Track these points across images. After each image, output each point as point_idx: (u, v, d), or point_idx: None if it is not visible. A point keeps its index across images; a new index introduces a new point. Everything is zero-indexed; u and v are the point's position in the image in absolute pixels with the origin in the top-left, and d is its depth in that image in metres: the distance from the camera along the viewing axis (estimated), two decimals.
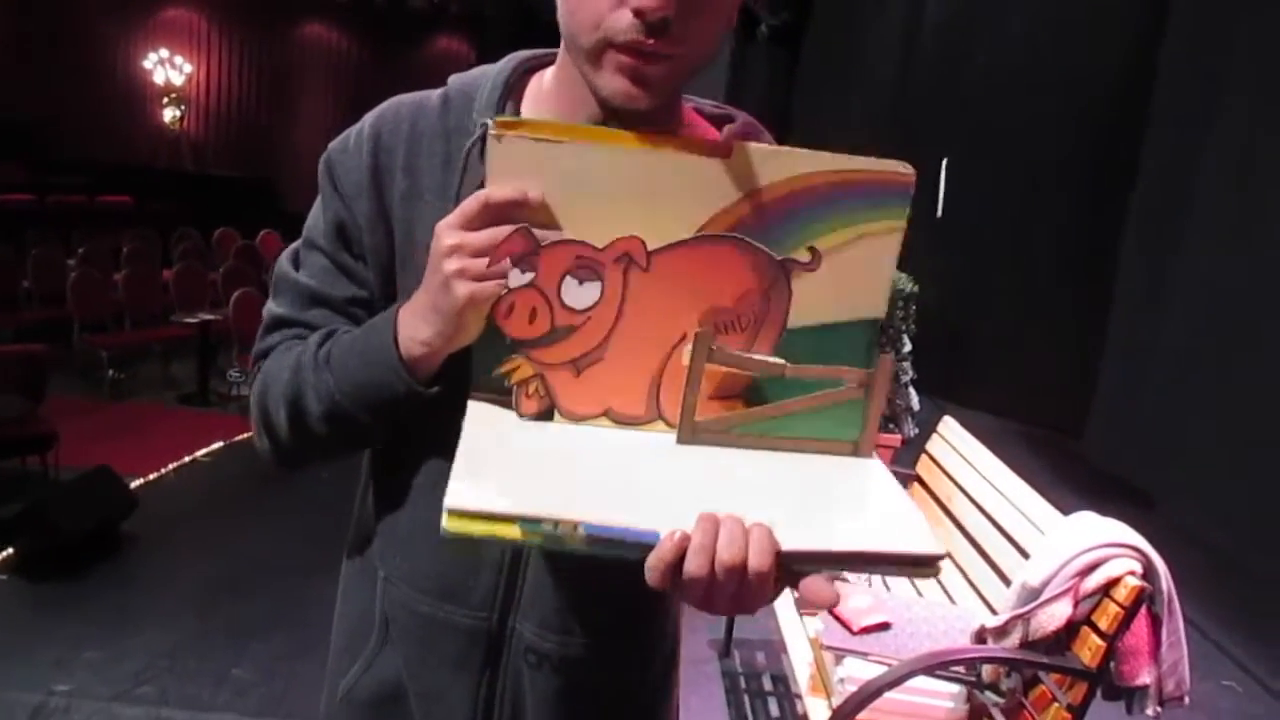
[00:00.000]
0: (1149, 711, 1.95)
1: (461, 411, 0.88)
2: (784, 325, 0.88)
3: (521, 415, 0.89)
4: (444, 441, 0.84)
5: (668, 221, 0.85)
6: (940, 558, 0.79)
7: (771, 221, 0.86)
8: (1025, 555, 2.18)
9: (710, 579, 0.74)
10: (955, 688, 2.21)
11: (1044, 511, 2.29)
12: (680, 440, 0.89)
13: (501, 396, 0.89)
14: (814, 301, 0.88)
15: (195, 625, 3.62)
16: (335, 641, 1.15)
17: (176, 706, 3.12)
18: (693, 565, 0.73)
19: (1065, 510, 2.27)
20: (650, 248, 0.85)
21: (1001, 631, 2.08)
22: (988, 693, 2.15)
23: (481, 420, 0.87)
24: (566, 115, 0.95)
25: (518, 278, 0.85)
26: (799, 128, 7.42)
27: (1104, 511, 2.14)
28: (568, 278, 0.86)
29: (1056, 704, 1.98)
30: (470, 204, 0.84)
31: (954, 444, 2.96)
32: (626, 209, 0.85)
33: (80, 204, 12.63)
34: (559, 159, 0.83)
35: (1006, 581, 2.18)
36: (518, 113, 0.99)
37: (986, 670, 2.15)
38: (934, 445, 3.11)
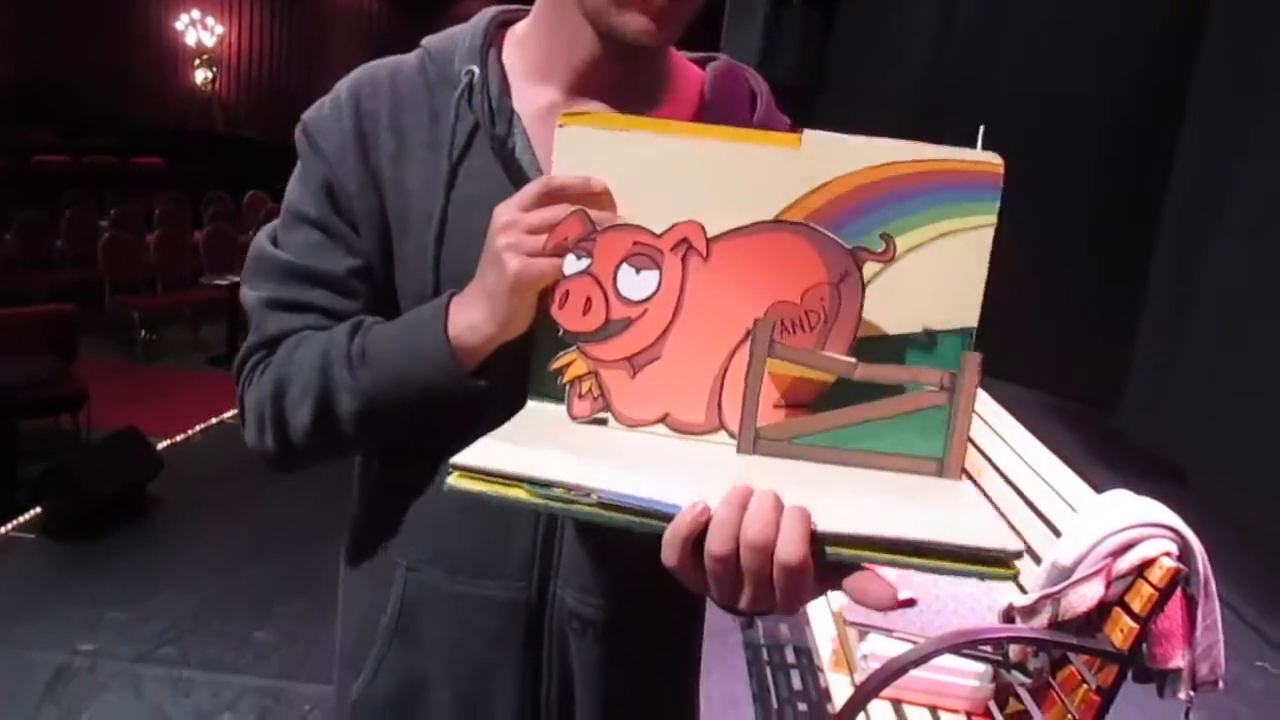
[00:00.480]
0: (1181, 695, 1.90)
1: (502, 404, 0.84)
2: (857, 327, 0.80)
3: (574, 418, 0.84)
4: (476, 424, 0.80)
5: (732, 213, 0.81)
6: (1016, 554, 0.64)
7: (844, 216, 0.79)
8: (1057, 533, 2.12)
9: (733, 561, 0.64)
10: (981, 667, 2.17)
11: (1076, 488, 2.23)
12: (741, 450, 0.81)
13: (557, 401, 0.84)
14: (894, 306, 0.80)
15: (218, 587, 3.64)
16: (340, 651, 1.10)
17: (198, 668, 3.14)
18: (714, 541, 0.64)
19: (1098, 487, 2.21)
20: (710, 234, 0.81)
21: (1030, 611, 2.03)
22: (1014, 672, 2.11)
23: (529, 416, 0.83)
24: (555, 59, 0.94)
25: (573, 263, 0.82)
26: (832, 94, 7.31)
27: (1138, 488, 2.08)
28: (624, 266, 0.82)
29: (1085, 685, 1.93)
30: (531, 187, 0.83)
31: (984, 417, 2.89)
32: (690, 199, 0.81)
33: (113, 166, 12.73)
34: (624, 148, 0.81)
35: (1037, 559, 2.12)
36: (500, 61, 0.96)
37: (1014, 650, 2.10)
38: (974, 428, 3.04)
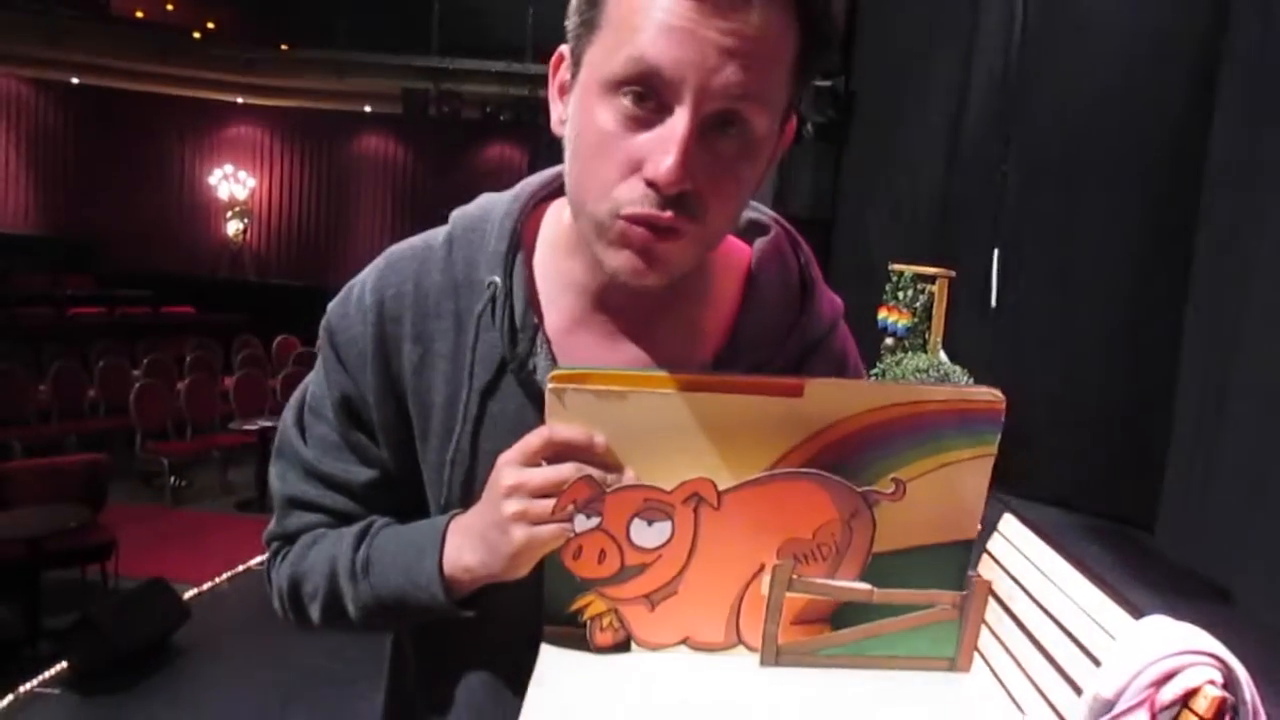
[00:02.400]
0: None
1: (515, 588, 0.85)
2: (869, 552, 0.84)
3: (597, 648, 0.85)
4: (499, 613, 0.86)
5: (738, 463, 0.81)
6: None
7: (849, 456, 0.81)
8: (1096, 662, 2.07)
9: None
10: None
11: (1114, 615, 2.17)
12: (764, 663, 0.85)
13: (576, 629, 0.85)
14: (900, 527, 0.83)
15: None
16: None
17: None
18: None
19: (1140, 609, 2.16)
20: (721, 488, 0.81)
21: None
22: None
23: (554, 657, 0.84)
24: (582, 273, 0.90)
25: (583, 522, 0.81)
26: (846, 220, 7.45)
27: (1181, 609, 2.02)
28: (636, 519, 0.81)
29: None
30: (533, 439, 0.79)
31: (1016, 543, 2.85)
32: (695, 452, 0.80)
33: (146, 315, 13.05)
34: (621, 409, 0.79)
35: (1077, 690, 2.06)
36: (528, 267, 0.92)
37: None
38: (995, 544, 2.99)
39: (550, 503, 0.78)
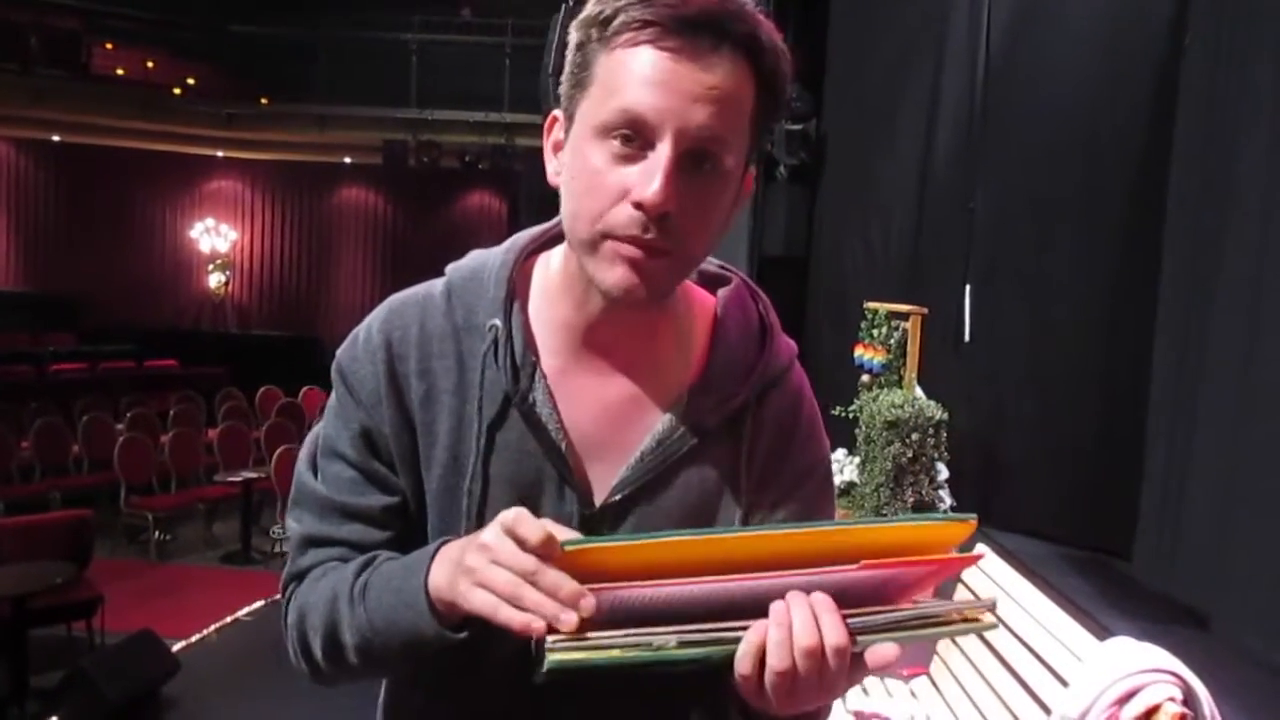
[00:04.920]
0: None
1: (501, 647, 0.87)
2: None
3: None
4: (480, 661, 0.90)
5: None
6: (991, 604, 0.85)
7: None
8: (1065, 684, 2.13)
9: (792, 670, 0.78)
10: None
11: (1080, 638, 2.25)
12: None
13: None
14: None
15: None
16: None
17: None
18: (775, 659, 0.78)
19: (1110, 631, 2.23)
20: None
21: None
22: None
23: None
24: (571, 314, 1.00)
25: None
26: (820, 260, 7.56)
27: (1157, 634, 2.10)
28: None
29: None
30: (527, 523, 0.81)
31: (988, 571, 2.92)
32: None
33: (128, 370, 13.01)
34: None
35: (1048, 711, 2.12)
36: (524, 313, 1.01)
37: None
38: (970, 574, 3.07)
39: (505, 576, 0.81)
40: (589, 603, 0.78)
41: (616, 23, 0.87)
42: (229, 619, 5.51)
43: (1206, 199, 4.51)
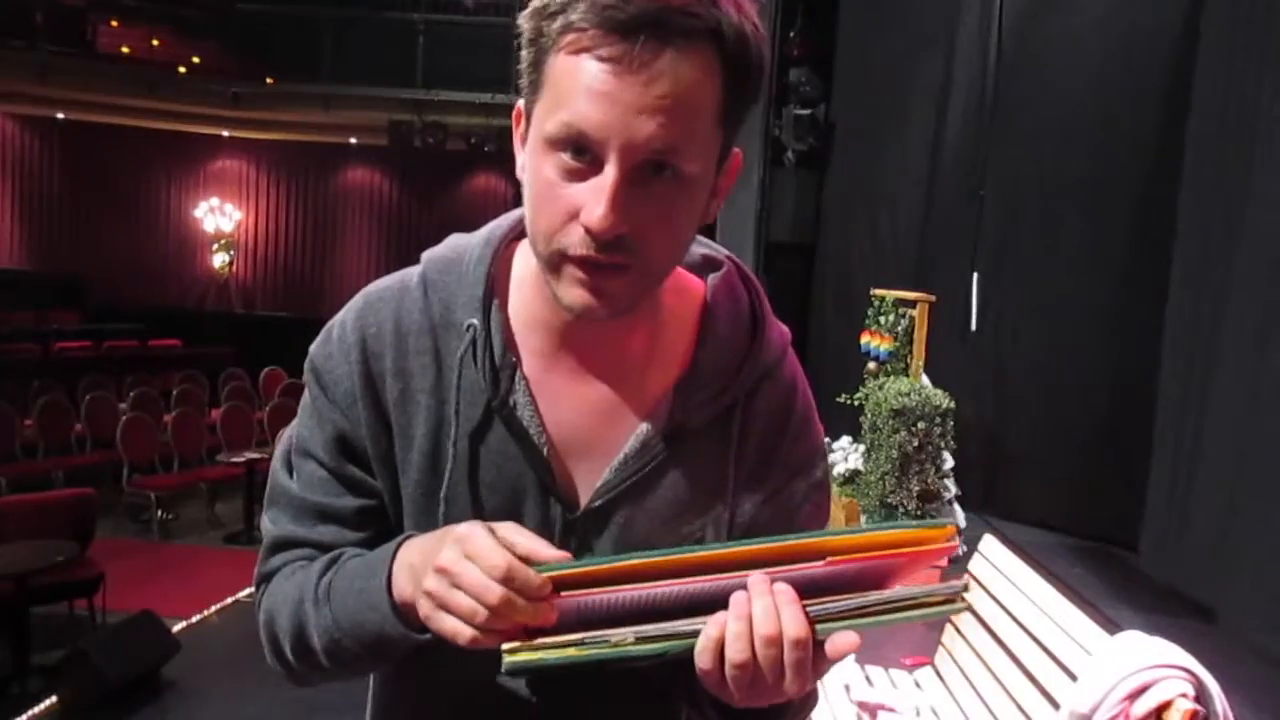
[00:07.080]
0: None
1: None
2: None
3: None
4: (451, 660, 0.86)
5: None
6: (964, 587, 0.82)
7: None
8: (1073, 678, 2.11)
9: (752, 662, 0.77)
10: None
11: (1090, 631, 2.22)
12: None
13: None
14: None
15: None
16: None
17: None
18: (734, 651, 0.77)
19: (1119, 625, 2.20)
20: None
21: None
22: None
23: None
24: (549, 312, 0.94)
25: None
26: (828, 246, 7.52)
27: (1165, 627, 2.08)
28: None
29: None
30: (495, 553, 0.79)
31: (996, 562, 2.89)
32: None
33: (132, 349, 13.02)
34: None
35: (1055, 705, 2.10)
36: (503, 310, 0.96)
37: None
38: (976, 564, 3.04)
39: (468, 603, 0.79)
40: (552, 620, 0.78)
41: (558, 23, 0.80)
42: (229, 600, 5.51)
43: (1219, 187, 4.48)
